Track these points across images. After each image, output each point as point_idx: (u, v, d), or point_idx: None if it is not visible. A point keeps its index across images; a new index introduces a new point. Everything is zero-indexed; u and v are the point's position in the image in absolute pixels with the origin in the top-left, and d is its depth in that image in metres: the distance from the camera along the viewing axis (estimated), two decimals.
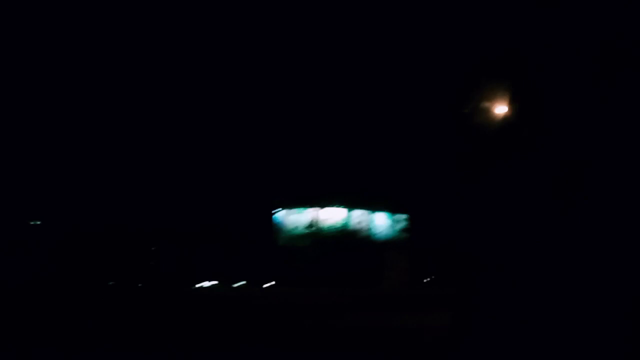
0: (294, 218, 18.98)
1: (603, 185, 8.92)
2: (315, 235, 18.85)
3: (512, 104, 11.46)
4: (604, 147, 9.36)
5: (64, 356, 3.75)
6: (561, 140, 10.30)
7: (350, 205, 19.04)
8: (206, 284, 16.15)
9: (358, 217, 19.38)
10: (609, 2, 9.48)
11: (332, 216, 18.90)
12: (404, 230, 19.63)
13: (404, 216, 19.85)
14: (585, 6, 9.66)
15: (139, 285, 13.87)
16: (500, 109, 11.74)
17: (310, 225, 18.88)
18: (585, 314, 4.45)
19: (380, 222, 19.66)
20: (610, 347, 3.63)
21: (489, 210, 10.62)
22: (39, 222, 12.73)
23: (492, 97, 12.02)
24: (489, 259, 8.12)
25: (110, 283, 12.42)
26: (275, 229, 18.81)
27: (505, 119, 11.53)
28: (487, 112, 12.71)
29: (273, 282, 16.12)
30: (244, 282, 16.60)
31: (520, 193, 10.38)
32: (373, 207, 19.39)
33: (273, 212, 18.92)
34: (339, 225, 18.77)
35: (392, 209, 19.69)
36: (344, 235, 18.80)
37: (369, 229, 19.34)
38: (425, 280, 17.66)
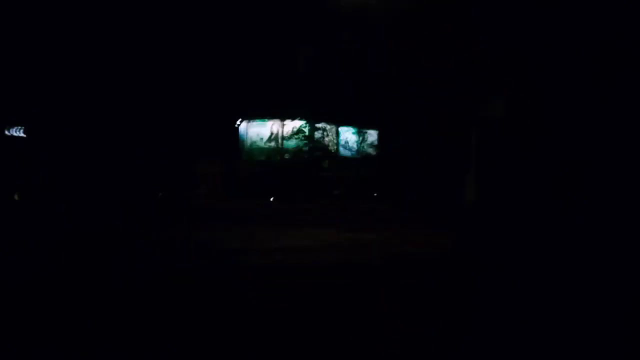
0: (255, 130, 18.62)
1: (603, 185, 8.93)
2: (277, 148, 18.52)
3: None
4: (603, 147, 9.38)
5: (64, 356, 3.76)
6: (561, 140, 10.32)
7: (315, 118, 18.63)
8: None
9: (322, 131, 19.00)
10: (609, 2, 9.50)
11: (294, 129, 18.53)
12: (371, 145, 19.42)
13: (372, 132, 19.56)
14: (585, 6, 9.68)
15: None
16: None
17: (271, 138, 18.54)
18: (585, 314, 4.45)
19: (346, 137, 19.40)
20: (610, 346, 3.63)
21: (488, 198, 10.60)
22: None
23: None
24: (489, 259, 8.11)
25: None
26: (236, 141, 18.45)
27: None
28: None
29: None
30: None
31: (520, 193, 10.39)
32: (339, 121, 19.04)
33: (233, 123, 18.46)
34: (301, 138, 18.43)
35: (359, 124, 19.39)
36: (307, 149, 18.47)
37: (334, 143, 19.07)
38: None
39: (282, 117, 18.26)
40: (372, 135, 19.60)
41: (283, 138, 18.43)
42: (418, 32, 12.59)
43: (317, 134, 18.57)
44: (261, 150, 18.39)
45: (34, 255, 7.81)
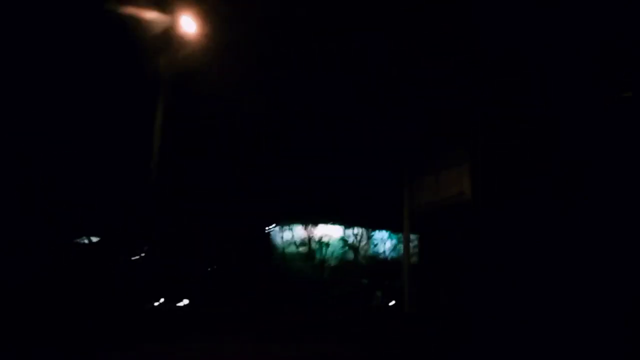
0: (288, 235, 18.38)
1: (603, 185, 8.94)
2: (310, 253, 18.28)
3: None
4: (604, 147, 9.38)
5: (64, 356, 3.76)
6: (561, 140, 10.32)
7: (348, 222, 18.42)
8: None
9: (356, 235, 18.73)
10: (609, 2, 9.50)
11: (328, 233, 18.32)
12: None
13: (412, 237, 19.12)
14: (585, 6, 9.68)
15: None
16: None
17: (305, 243, 18.33)
18: (585, 314, 4.45)
19: (381, 241, 18.98)
20: (610, 346, 3.64)
21: (494, 216, 10.63)
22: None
23: None
24: (488, 259, 8.12)
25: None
26: (269, 245, 18.18)
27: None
28: None
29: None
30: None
31: (521, 194, 10.40)
32: (373, 225, 18.70)
33: (266, 228, 18.28)
34: (335, 243, 18.23)
35: (394, 227, 18.94)
36: (340, 254, 18.23)
37: (368, 248, 18.74)
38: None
39: (315, 222, 18.13)
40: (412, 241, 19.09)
41: (315, 243, 18.26)
42: (418, 32, 12.59)
43: (350, 239, 18.41)
44: (293, 255, 18.17)
45: (34, 255, 7.83)
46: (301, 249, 18.10)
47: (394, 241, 18.82)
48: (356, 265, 18.21)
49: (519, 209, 9.74)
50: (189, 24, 11.44)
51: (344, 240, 18.31)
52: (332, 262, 17.89)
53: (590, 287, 6.05)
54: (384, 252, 18.78)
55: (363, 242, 18.52)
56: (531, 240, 8.46)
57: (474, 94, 12.13)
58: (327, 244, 18.06)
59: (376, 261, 18.48)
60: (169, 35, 11.68)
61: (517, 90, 11.04)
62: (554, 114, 10.24)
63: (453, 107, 12.20)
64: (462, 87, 12.29)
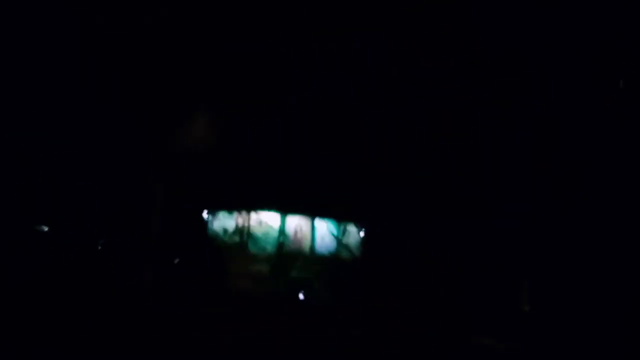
0: (221, 223, 16.75)
1: (603, 185, 8.94)
2: (244, 242, 16.80)
3: None
4: (604, 147, 9.38)
5: (64, 356, 3.77)
6: (561, 140, 10.33)
7: (287, 210, 16.96)
8: None
9: (296, 224, 17.27)
10: (609, 2, 9.51)
11: (265, 221, 16.83)
12: (352, 240, 17.60)
13: (353, 225, 17.68)
14: (585, 6, 9.69)
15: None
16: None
17: (240, 231, 16.71)
18: (585, 314, 4.45)
19: (323, 231, 17.54)
20: (610, 346, 3.64)
21: (486, 212, 10.64)
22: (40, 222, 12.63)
23: None
24: (487, 259, 8.12)
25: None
26: (200, 234, 16.69)
27: None
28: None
29: None
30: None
31: (520, 194, 10.41)
32: (314, 213, 17.27)
33: (198, 215, 16.72)
34: (272, 232, 16.84)
35: (338, 216, 17.48)
36: (278, 244, 16.84)
37: (309, 238, 17.35)
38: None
39: (250, 208, 16.56)
40: (354, 232, 17.63)
41: (249, 232, 16.71)
42: (418, 32, 12.57)
43: (290, 228, 17.09)
44: (224, 245, 16.61)
45: (34, 256, 7.83)
46: (235, 238, 16.55)
47: (336, 232, 17.58)
48: (292, 256, 16.96)
49: None
50: None
51: (281, 229, 16.99)
52: (267, 253, 16.57)
53: (591, 287, 6.04)
54: (325, 242, 17.54)
55: (302, 232, 17.24)
56: None
57: (474, 94, 12.13)
58: (263, 233, 16.77)
59: (315, 253, 17.21)
60: None
61: (517, 90, 11.06)
62: (554, 114, 10.25)
63: None
64: (462, 87, 12.30)
